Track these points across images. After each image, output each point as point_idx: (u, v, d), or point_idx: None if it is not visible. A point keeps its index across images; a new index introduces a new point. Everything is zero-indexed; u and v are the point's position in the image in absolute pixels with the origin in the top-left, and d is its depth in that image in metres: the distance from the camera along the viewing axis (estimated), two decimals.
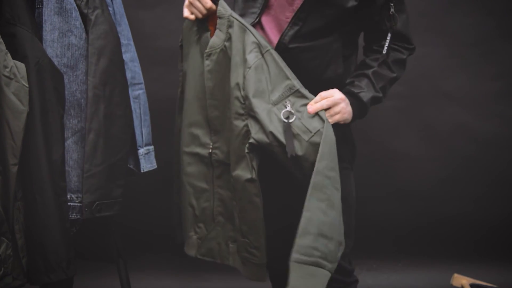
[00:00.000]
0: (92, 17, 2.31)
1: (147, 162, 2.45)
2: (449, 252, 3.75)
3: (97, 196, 2.32)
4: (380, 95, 2.28)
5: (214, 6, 2.26)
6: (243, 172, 2.20)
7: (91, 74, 2.30)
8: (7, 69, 2.16)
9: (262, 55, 2.19)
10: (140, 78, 2.45)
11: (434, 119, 3.86)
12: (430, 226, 3.83)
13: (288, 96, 2.18)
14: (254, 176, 2.20)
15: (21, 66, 2.19)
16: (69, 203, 2.31)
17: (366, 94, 2.25)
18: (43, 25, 2.30)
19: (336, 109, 2.19)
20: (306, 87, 2.21)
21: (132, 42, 2.45)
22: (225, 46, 2.24)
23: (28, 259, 2.24)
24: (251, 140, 2.18)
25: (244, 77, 2.18)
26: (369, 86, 2.26)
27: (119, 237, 2.53)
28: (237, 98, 2.19)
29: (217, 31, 2.25)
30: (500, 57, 3.81)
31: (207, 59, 2.27)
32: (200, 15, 2.28)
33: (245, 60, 2.18)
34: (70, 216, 2.31)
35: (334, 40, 2.25)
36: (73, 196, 2.32)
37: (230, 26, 2.22)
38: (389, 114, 3.84)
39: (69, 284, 2.43)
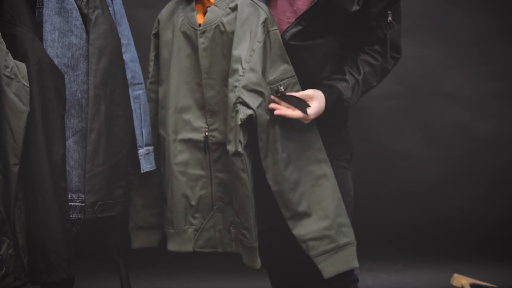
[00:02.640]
0: (93, 17, 2.31)
1: (147, 162, 2.44)
2: (449, 252, 3.76)
3: (99, 196, 2.32)
4: (357, 98, 2.28)
5: None
6: (231, 146, 2.17)
7: (91, 74, 2.30)
8: (8, 69, 2.16)
9: (268, 32, 2.19)
10: (140, 78, 2.44)
11: (434, 119, 3.87)
12: (430, 226, 3.83)
13: (283, 79, 2.20)
14: (240, 150, 2.15)
15: (22, 66, 2.19)
16: (70, 203, 2.31)
17: (346, 91, 2.24)
18: (44, 25, 2.30)
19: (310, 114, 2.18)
20: (302, 85, 2.23)
21: (132, 42, 2.45)
22: (221, 22, 2.22)
23: (29, 259, 2.24)
24: (249, 112, 2.15)
25: (253, 50, 2.17)
26: (354, 89, 2.26)
27: (119, 237, 2.53)
28: (236, 71, 2.17)
29: (212, 7, 2.23)
30: (500, 57, 3.81)
31: (201, 37, 2.24)
32: None
33: (255, 34, 2.17)
34: (71, 216, 2.31)
35: (332, 41, 2.28)
36: (74, 196, 2.32)
37: (232, 1, 2.21)
38: (389, 114, 3.84)
39: (70, 284, 2.43)
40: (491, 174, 3.87)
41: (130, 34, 2.44)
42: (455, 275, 2.97)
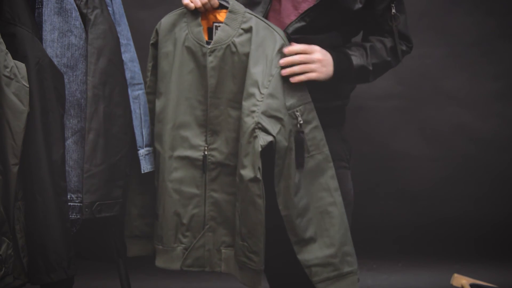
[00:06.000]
0: (92, 17, 2.31)
1: (148, 163, 2.44)
2: (449, 252, 3.76)
3: (97, 196, 2.32)
4: (370, 68, 2.28)
5: None
6: (247, 172, 2.16)
7: (90, 73, 2.30)
8: (8, 69, 2.16)
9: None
10: (139, 78, 2.44)
11: (434, 119, 3.87)
12: (430, 226, 3.83)
13: (300, 105, 2.20)
14: (258, 175, 2.15)
15: (22, 66, 2.19)
16: (69, 203, 2.31)
17: (357, 59, 2.26)
18: (43, 25, 2.29)
19: (311, 66, 2.19)
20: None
21: (131, 42, 2.44)
22: (233, 42, 2.19)
23: (29, 259, 2.24)
24: (270, 139, 2.14)
25: (272, 75, 2.16)
26: (363, 56, 2.28)
27: (119, 237, 2.53)
28: (253, 95, 2.15)
29: (223, 26, 2.21)
30: (501, 57, 3.81)
31: (210, 55, 2.22)
32: (199, 4, 2.22)
33: (271, 59, 2.16)
34: (71, 216, 2.30)
35: (335, 36, 2.29)
36: (73, 196, 2.32)
37: (244, 22, 2.19)
38: (389, 114, 3.85)
39: (69, 284, 2.43)
40: (491, 174, 3.87)
41: (129, 34, 2.44)
42: (455, 275, 2.96)
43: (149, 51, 2.38)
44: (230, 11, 2.20)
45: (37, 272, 2.23)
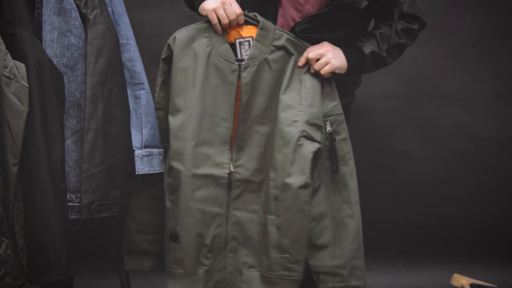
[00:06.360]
0: (91, 17, 2.31)
1: (146, 165, 2.41)
2: (449, 252, 3.76)
3: (96, 196, 2.31)
4: (384, 54, 2.31)
5: (242, 15, 2.24)
6: (295, 179, 2.18)
7: (89, 73, 2.30)
8: (7, 69, 2.16)
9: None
10: (141, 78, 2.42)
11: (434, 119, 3.87)
12: (430, 226, 3.83)
13: (331, 116, 2.25)
14: (309, 181, 2.18)
15: (21, 66, 2.19)
16: (68, 203, 2.30)
17: (367, 47, 2.28)
18: (43, 25, 2.29)
19: (323, 60, 2.22)
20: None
21: (131, 42, 2.43)
22: (265, 59, 2.22)
23: (28, 259, 2.24)
24: (318, 146, 2.20)
25: (309, 87, 2.21)
26: (374, 43, 2.30)
27: (118, 238, 2.53)
28: (291, 106, 2.20)
29: (255, 42, 2.22)
30: (501, 57, 3.81)
31: (244, 71, 2.22)
32: (226, 21, 2.22)
33: (306, 71, 2.23)
34: (70, 216, 2.30)
35: (342, 33, 2.31)
36: (72, 196, 2.32)
37: (276, 39, 2.22)
38: (389, 114, 3.85)
39: (69, 284, 2.43)
40: (491, 174, 3.87)
41: (129, 34, 2.43)
42: (455, 275, 2.96)
43: (160, 65, 2.35)
44: (261, 28, 2.23)
45: (37, 272, 2.23)
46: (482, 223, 3.82)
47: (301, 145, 2.18)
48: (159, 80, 2.35)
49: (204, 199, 2.25)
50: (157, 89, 2.36)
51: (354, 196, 2.29)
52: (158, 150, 2.41)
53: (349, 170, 2.28)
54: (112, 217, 2.41)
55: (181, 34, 2.30)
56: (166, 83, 2.34)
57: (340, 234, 2.28)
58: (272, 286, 2.25)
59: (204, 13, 2.25)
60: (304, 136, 2.19)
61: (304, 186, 2.18)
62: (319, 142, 2.20)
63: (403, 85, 3.89)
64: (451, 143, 3.85)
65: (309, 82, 2.22)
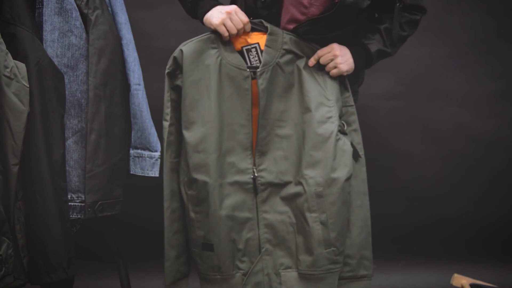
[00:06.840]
0: (92, 18, 2.31)
1: (136, 166, 2.41)
2: (449, 252, 3.76)
3: (99, 196, 2.32)
4: (389, 50, 2.33)
5: (249, 23, 2.24)
6: (340, 173, 2.22)
7: (91, 74, 2.30)
8: (8, 69, 2.16)
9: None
10: (138, 79, 2.42)
11: (434, 119, 3.87)
12: (430, 226, 3.83)
13: (343, 107, 2.29)
14: (351, 173, 2.25)
15: (22, 66, 2.19)
16: (69, 203, 2.31)
17: (374, 46, 2.31)
18: (43, 25, 2.30)
19: (331, 64, 2.25)
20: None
21: (132, 42, 2.44)
22: (277, 63, 2.24)
23: (29, 259, 2.24)
24: (350, 139, 2.26)
25: (331, 84, 2.26)
26: (379, 40, 2.32)
27: (119, 237, 2.53)
28: (322, 103, 2.23)
29: (266, 48, 2.23)
30: (500, 57, 3.82)
31: (259, 78, 2.22)
32: (235, 31, 2.23)
33: (321, 67, 2.25)
34: (71, 216, 2.31)
35: (345, 32, 2.30)
36: (73, 196, 2.32)
37: (285, 42, 2.24)
38: (389, 114, 3.85)
39: (69, 284, 2.43)
40: (491, 174, 3.87)
41: (130, 34, 2.44)
42: (455, 275, 2.96)
43: (165, 81, 2.28)
44: (270, 34, 2.24)
45: (37, 272, 2.23)
46: (482, 223, 3.82)
47: (339, 139, 2.23)
48: (167, 95, 2.29)
49: (233, 206, 2.26)
50: (168, 104, 2.30)
51: (363, 186, 2.34)
52: (149, 153, 2.41)
53: (359, 161, 2.32)
54: (113, 216, 2.42)
55: (188, 48, 2.27)
56: (175, 99, 2.30)
57: (350, 225, 2.30)
58: (314, 283, 2.27)
59: (212, 27, 2.25)
60: (339, 131, 2.24)
61: (349, 178, 2.24)
62: (346, 135, 2.26)
63: (403, 85, 3.89)
64: (451, 143, 3.85)
65: (328, 79, 2.26)
